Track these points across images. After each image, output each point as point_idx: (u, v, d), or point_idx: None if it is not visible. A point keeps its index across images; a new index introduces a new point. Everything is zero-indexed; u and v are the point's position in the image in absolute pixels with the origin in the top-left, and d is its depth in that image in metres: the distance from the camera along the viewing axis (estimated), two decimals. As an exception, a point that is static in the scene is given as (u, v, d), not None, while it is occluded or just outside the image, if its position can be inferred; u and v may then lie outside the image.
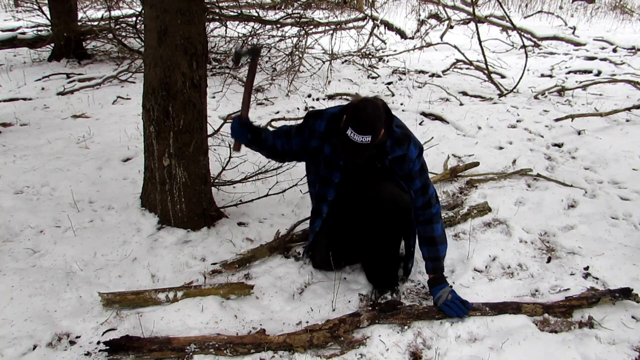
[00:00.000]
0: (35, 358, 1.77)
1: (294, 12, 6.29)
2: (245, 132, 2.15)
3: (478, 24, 5.86)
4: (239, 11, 5.63)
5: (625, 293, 2.12)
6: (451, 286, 2.09)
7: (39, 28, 6.77)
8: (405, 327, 1.98)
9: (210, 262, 2.40)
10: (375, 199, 2.04)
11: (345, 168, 2.11)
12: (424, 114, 4.86)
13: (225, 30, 5.86)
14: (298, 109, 5.01)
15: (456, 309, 1.98)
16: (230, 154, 3.18)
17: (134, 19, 5.62)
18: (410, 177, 2.07)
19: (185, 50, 2.31)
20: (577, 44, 8.52)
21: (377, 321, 1.97)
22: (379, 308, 2.03)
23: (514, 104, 5.19)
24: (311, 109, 2.17)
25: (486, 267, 2.44)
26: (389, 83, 6.12)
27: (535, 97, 5.41)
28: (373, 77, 6.45)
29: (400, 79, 6.33)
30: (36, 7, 6.76)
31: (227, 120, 4.10)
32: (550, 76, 6.64)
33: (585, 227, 2.78)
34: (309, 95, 5.49)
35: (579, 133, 4.29)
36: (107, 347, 1.75)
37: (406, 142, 2.02)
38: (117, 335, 1.85)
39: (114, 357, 1.75)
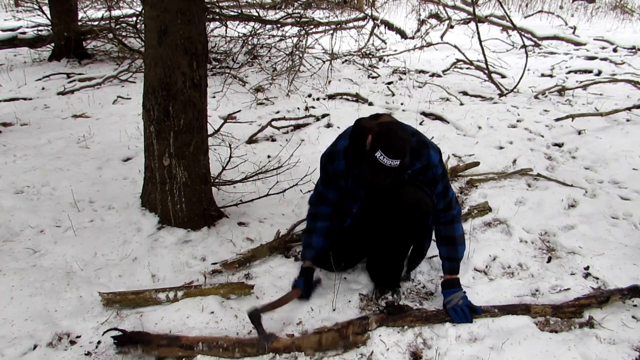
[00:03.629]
0: (35, 358, 1.77)
1: (294, 11, 6.29)
2: (309, 282, 2.13)
3: (478, 24, 5.86)
4: (239, 11, 5.63)
5: (634, 291, 2.10)
6: (465, 292, 2.08)
7: (39, 28, 6.78)
8: (406, 327, 1.98)
9: (211, 262, 2.40)
10: (397, 201, 2.01)
11: (365, 199, 2.12)
12: (424, 113, 4.86)
13: (225, 30, 5.86)
14: (298, 108, 5.01)
15: (462, 315, 1.97)
16: (231, 154, 3.18)
17: (134, 18, 5.63)
18: (434, 181, 2.05)
19: (186, 50, 2.31)
20: (577, 44, 8.52)
21: (386, 324, 1.95)
22: (386, 311, 2.03)
23: (514, 104, 5.19)
24: (322, 155, 2.14)
25: (486, 266, 2.44)
26: (389, 83, 6.12)
27: (536, 97, 5.41)
28: (373, 77, 6.45)
29: (401, 79, 6.33)
30: (36, 7, 6.77)
31: (228, 120, 4.10)
32: (551, 76, 6.65)
33: (585, 227, 2.78)
34: (309, 95, 5.49)
35: (579, 133, 4.28)
36: (115, 341, 1.76)
37: (425, 150, 2.00)
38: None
39: (122, 349, 1.76)
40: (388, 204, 2.04)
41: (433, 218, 2.13)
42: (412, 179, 2.03)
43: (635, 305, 2.12)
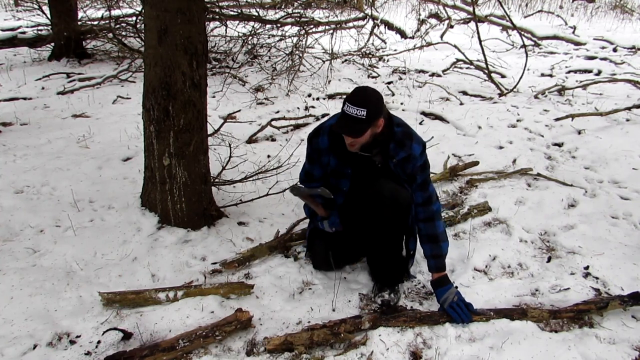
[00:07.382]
0: (35, 357, 1.77)
1: (294, 11, 6.29)
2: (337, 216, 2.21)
3: (478, 24, 5.86)
4: (239, 11, 5.63)
5: (635, 298, 2.06)
6: (456, 287, 2.08)
7: (39, 27, 6.77)
8: (404, 326, 1.97)
9: (211, 262, 2.40)
10: (375, 196, 2.02)
11: (353, 176, 2.13)
12: (424, 113, 4.86)
13: (225, 30, 5.85)
14: (298, 108, 5.01)
15: (462, 313, 1.96)
16: (231, 153, 3.18)
17: (134, 18, 5.62)
18: (413, 175, 2.06)
19: (186, 49, 2.31)
20: (577, 44, 8.52)
21: (379, 324, 1.95)
22: (380, 311, 2.02)
23: (514, 104, 5.19)
24: (310, 133, 2.20)
25: (486, 266, 2.44)
26: (389, 82, 6.12)
27: (536, 97, 5.41)
28: (373, 77, 6.45)
29: (401, 79, 6.33)
30: (36, 6, 6.77)
31: (228, 120, 4.10)
32: (551, 75, 6.64)
33: (585, 227, 2.78)
34: (309, 95, 5.49)
35: (579, 132, 4.28)
36: None
37: (408, 142, 2.02)
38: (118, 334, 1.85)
39: None
40: (368, 198, 2.05)
41: (414, 215, 2.14)
42: (396, 168, 2.06)
43: (635, 305, 2.12)
